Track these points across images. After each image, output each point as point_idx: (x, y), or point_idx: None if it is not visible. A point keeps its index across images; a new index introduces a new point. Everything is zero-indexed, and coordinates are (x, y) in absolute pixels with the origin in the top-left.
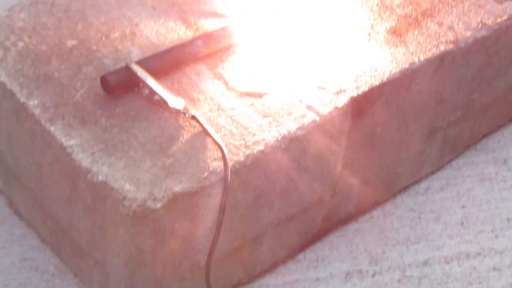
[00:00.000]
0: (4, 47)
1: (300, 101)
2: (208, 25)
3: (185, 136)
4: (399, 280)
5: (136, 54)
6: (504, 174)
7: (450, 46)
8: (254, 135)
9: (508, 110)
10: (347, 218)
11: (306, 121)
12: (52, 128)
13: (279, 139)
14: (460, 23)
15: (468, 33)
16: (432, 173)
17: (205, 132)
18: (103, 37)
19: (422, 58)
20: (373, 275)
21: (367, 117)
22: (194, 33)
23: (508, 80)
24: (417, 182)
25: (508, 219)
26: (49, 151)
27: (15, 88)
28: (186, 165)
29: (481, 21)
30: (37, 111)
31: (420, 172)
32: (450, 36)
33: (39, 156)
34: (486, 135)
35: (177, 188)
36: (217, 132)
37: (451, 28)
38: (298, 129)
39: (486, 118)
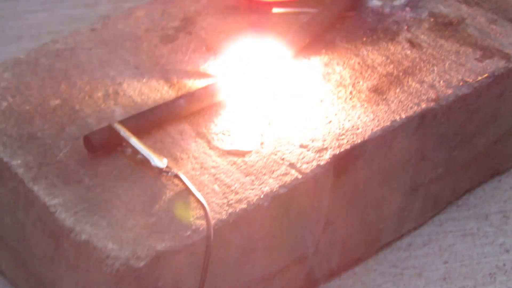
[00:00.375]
0: None
1: (282, 159)
2: (190, 84)
3: (168, 194)
4: None
5: (119, 113)
6: (486, 230)
7: (432, 104)
8: (236, 193)
9: (489, 166)
10: (330, 275)
11: (288, 179)
12: (36, 188)
13: (262, 197)
14: (441, 81)
15: (449, 91)
16: (415, 229)
17: (187, 190)
18: (86, 97)
19: (403, 116)
20: None
21: (349, 175)
22: (177, 93)
23: (489, 136)
24: (399, 238)
25: (490, 274)
26: (32, 210)
27: None
28: (169, 223)
29: (462, 79)
30: (20, 171)
31: (402, 228)
32: (431, 94)
33: (22, 215)
34: (467, 191)
35: (160, 246)
36: (199, 191)
37: (432, 86)
38: (280, 187)
39: (468, 174)
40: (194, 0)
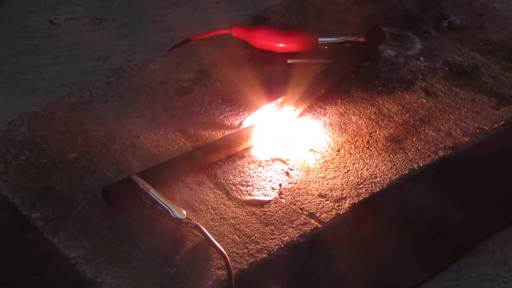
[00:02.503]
0: (5, 161)
1: (301, 209)
2: (207, 135)
3: (188, 245)
4: None
5: (136, 165)
6: (505, 275)
7: (449, 152)
8: (257, 243)
9: (507, 212)
10: None
11: (308, 228)
12: (55, 240)
13: (282, 247)
14: (458, 129)
15: (466, 139)
16: (433, 275)
17: (208, 241)
18: (104, 149)
19: (421, 164)
20: None
21: (368, 223)
22: (194, 144)
23: (506, 183)
24: (418, 285)
25: None
26: (53, 263)
27: (17, 201)
28: (190, 274)
29: (479, 127)
30: (39, 224)
31: (421, 275)
32: (448, 142)
33: (42, 268)
34: (486, 237)
35: None
36: (219, 241)
37: (448, 134)
38: (300, 236)
39: (486, 220)
40: (209, 52)
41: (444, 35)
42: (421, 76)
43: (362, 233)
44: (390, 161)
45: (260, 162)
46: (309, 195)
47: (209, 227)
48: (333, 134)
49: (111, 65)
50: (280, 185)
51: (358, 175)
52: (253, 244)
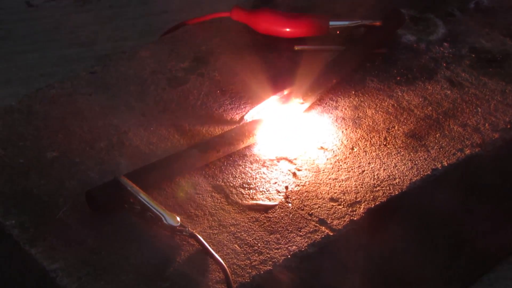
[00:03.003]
0: None
1: (310, 215)
2: (204, 132)
3: (183, 256)
4: None
5: (125, 165)
6: None
7: (476, 150)
8: (260, 253)
9: None
10: None
11: (318, 237)
12: (33, 250)
13: (289, 257)
14: (487, 124)
15: (496, 135)
16: None
17: (205, 251)
18: (87, 148)
19: (445, 163)
20: None
21: (386, 231)
22: (189, 141)
23: None
24: None
25: None
26: (30, 276)
27: None
28: None
29: (510, 121)
30: (15, 232)
31: None
32: (476, 139)
33: (18, 282)
34: None
35: None
36: (218, 252)
37: (476, 129)
38: (309, 246)
39: None
40: (206, 38)
41: (470, 17)
42: (445, 65)
43: (379, 242)
44: (410, 160)
45: (264, 162)
46: (319, 199)
47: (207, 236)
48: (346, 129)
49: (96, 53)
50: (287, 187)
51: (374, 176)
52: (256, 254)
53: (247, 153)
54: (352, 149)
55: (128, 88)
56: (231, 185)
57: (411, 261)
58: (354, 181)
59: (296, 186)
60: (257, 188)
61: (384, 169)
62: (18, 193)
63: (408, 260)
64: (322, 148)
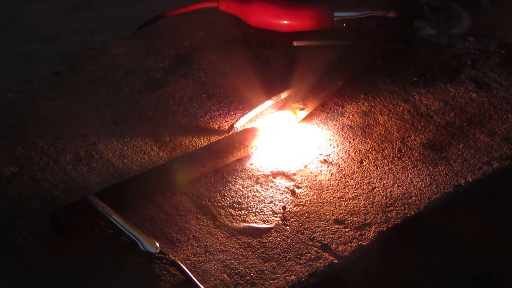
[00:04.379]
0: None
1: (312, 239)
2: (187, 143)
3: None
4: None
5: (94, 182)
6: None
7: (506, 163)
8: (253, 285)
9: None
10: None
11: (321, 265)
12: None
13: None
14: None
15: None
16: None
17: (189, 282)
18: (51, 162)
19: (470, 179)
20: None
21: (400, 258)
22: (170, 154)
23: None
24: None
25: None
26: None
27: None
28: None
29: None
30: None
31: None
32: (506, 150)
33: None
34: None
35: None
36: (204, 283)
37: (506, 139)
38: (310, 275)
39: None
40: (189, 32)
41: (500, 7)
42: (470, 63)
43: (392, 271)
44: (429, 175)
45: (258, 178)
46: (322, 220)
47: (190, 264)
48: (353, 140)
49: (59, 50)
50: (284, 208)
51: (386, 194)
52: (249, 286)
53: (238, 168)
54: (361, 162)
55: (98, 92)
56: (219, 205)
57: None
58: (363, 200)
59: (295, 206)
60: (249, 208)
61: (398, 186)
62: None
63: None
64: (325, 161)
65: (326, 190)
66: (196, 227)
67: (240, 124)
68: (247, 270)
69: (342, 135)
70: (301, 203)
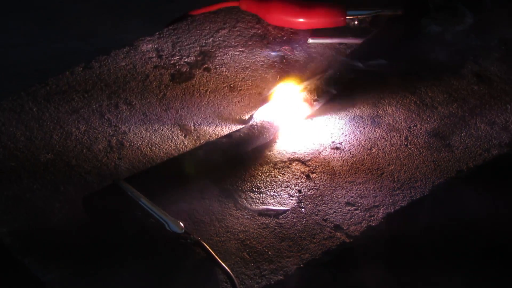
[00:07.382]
0: None
1: (325, 220)
2: (211, 132)
3: (187, 265)
4: None
5: (125, 169)
6: None
7: (505, 150)
8: (271, 262)
9: None
10: None
11: (333, 244)
12: (26, 260)
13: (302, 266)
14: None
15: None
16: None
17: (211, 260)
18: (84, 150)
19: (471, 165)
20: None
21: (407, 238)
22: (195, 143)
23: None
24: None
25: None
26: None
27: None
28: None
29: None
30: (7, 240)
31: None
32: (505, 138)
33: None
34: None
35: None
36: (226, 261)
37: (505, 128)
38: (324, 254)
39: None
40: (212, 30)
41: (501, 6)
42: (472, 58)
43: (399, 250)
44: (433, 161)
45: (275, 164)
46: (335, 203)
47: (213, 243)
48: (364, 128)
49: (94, 46)
50: (299, 191)
51: (394, 178)
52: (266, 263)
53: (257, 155)
54: (371, 149)
55: (128, 85)
56: (240, 189)
57: (435, 271)
58: (373, 184)
59: (309, 189)
60: (267, 192)
61: (405, 171)
62: (10, 199)
63: (432, 270)
64: (337, 148)
65: (338, 175)
66: (218, 209)
67: (260, 114)
68: (265, 248)
69: (353, 125)
70: (315, 187)
